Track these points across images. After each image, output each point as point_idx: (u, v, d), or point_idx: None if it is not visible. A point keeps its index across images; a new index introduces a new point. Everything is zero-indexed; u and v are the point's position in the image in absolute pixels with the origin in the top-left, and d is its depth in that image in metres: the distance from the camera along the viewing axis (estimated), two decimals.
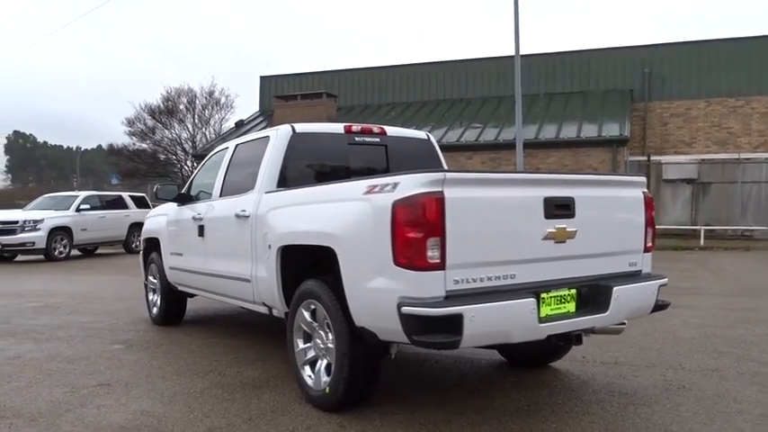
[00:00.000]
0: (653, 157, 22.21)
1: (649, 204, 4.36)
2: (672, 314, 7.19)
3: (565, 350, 5.06)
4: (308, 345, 4.32)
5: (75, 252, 18.60)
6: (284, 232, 4.47)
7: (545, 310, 3.73)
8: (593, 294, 3.94)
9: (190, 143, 32.44)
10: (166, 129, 32.30)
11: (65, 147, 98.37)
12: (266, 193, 4.94)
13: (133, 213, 20.72)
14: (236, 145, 5.95)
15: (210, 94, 32.62)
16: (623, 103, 23.63)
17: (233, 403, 4.31)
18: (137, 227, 20.46)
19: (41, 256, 17.27)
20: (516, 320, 3.50)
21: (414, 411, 4.05)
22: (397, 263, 3.40)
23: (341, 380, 3.93)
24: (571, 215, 3.84)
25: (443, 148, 6.83)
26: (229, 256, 5.41)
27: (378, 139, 5.60)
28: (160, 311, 7.23)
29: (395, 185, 3.49)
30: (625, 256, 4.23)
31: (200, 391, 4.61)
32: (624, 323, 4.52)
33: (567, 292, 3.84)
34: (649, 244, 4.38)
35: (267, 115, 28.90)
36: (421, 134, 6.01)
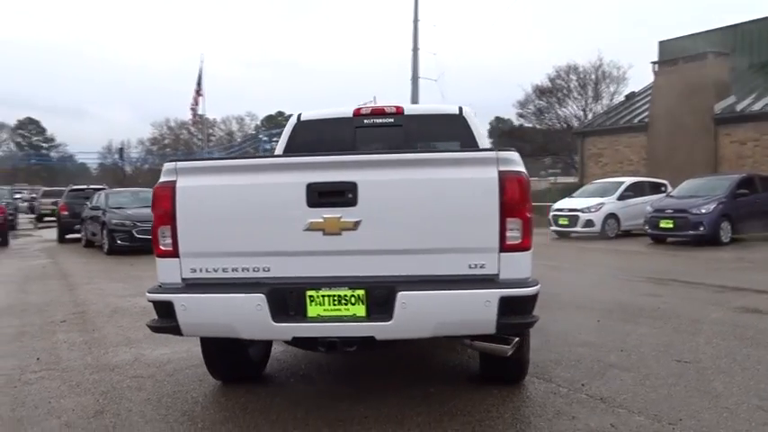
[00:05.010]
0: None
1: (510, 188, 3.21)
2: None
3: (517, 369, 4.07)
4: None
5: None
6: None
7: (315, 310, 3.34)
8: (386, 299, 3.27)
9: (577, 120, 31.93)
10: (560, 107, 32.50)
11: None
12: None
13: None
14: None
15: (597, 68, 31.37)
16: None
17: None
18: None
19: None
20: (240, 316, 3.29)
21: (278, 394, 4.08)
22: None
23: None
24: (350, 203, 3.27)
25: None
26: None
27: (391, 120, 5.33)
28: None
29: None
30: (461, 255, 3.26)
31: None
32: (507, 340, 3.53)
33: (348, 293, 3.31)
34: (514, 240, 3.25)
35: None
36: (450, 109, 5.39)
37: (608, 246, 14.78)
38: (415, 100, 36.93)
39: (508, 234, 3.25)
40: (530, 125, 34.64)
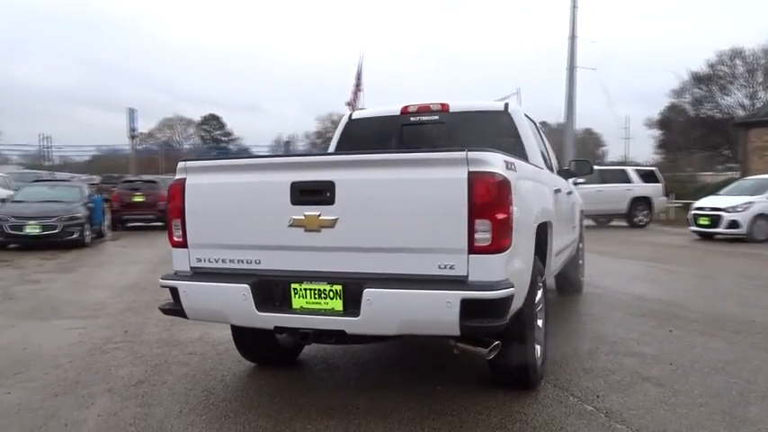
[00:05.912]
0: None
1: (480, 189, 3.16)
2: None
3: (519, 375, 3.97)
4: None
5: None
6: None
7: (299, 302, 3.56)
8: (358, 295, 3.39)
9: (743, 110, 28.60)
10: (722, 95, 29.35)
11: None
12: None
13: (636, 187, 20.81)
14: None
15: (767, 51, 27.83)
16: None
17: None
18: (639, 201, 20.66)
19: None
20: (229, 304, 3.58)
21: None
22: None
23: None
24: (328, 201, 3.42)
25: None
26: None
27: (436, 117, 5.37)
28: None
29: None
30: (431, 256, 3.28)
31: None
32: (490, 343, 3.50)
33: (327, 287, 3.48)
34: (484, 242, 3.19)
35: None
36: (496, 106, 5.29)
37: (753, 250, 13.35)
38: (571, 90, 35.51)
39: (477, 236, 3.21)
40: (683, 116, 31.70)
